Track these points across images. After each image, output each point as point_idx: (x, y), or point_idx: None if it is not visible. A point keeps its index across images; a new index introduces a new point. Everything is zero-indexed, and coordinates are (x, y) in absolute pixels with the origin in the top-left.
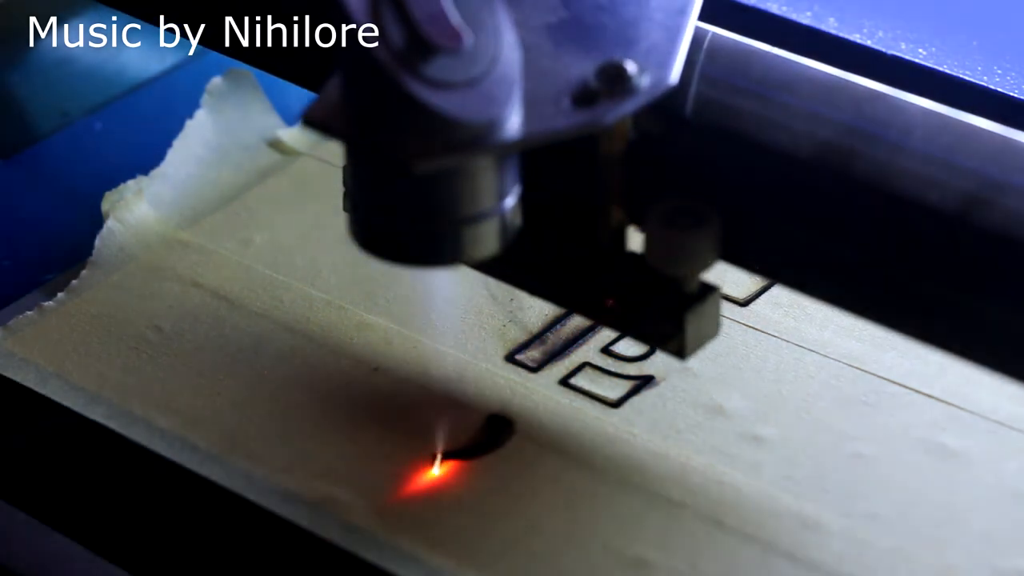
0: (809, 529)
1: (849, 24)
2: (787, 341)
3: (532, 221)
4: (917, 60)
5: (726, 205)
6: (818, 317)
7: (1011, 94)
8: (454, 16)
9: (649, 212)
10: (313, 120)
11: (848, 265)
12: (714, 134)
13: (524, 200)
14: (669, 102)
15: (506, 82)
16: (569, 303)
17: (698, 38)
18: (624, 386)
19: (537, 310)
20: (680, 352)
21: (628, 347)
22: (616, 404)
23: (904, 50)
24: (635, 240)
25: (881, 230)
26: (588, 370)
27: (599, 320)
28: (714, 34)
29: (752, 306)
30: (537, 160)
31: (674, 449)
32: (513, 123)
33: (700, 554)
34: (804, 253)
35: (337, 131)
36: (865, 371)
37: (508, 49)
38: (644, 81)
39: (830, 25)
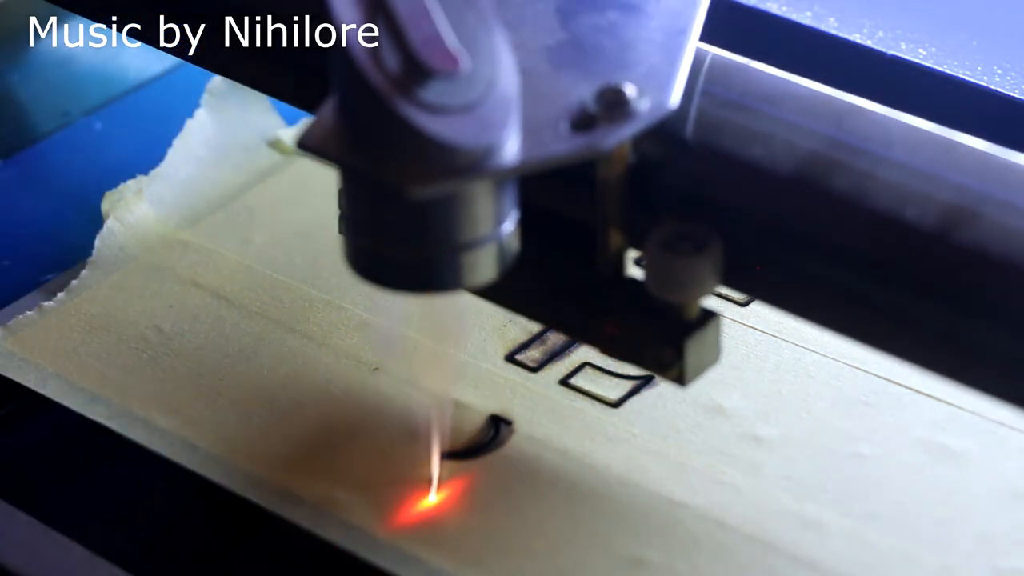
0: (809, 529)
1: (849, 24)
2: (787, 341)
3: (530, 246)
4: (917, 60)
5: (727, 229)
6: None
7: (1011, 94)
8: (451, 39)
9: (648, 237)
10: (308, 145)
11: (862, 293)
12: (715, 157)
13: (522, 224)
14: (670, 125)
15: (504, 106)
16: (568, 329)
17: (698, 59)
18: (624, 386)
19: None
20: (680, 380)
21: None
22: (616, 404)
23: (904, 50)
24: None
25: (893, 254)
26: (588, 370)
27: (598, 346)
28: (714, 55)
29: (752, 306)
30: (535, 184)
31: (674, 449)
32: (511, 148)
33: (700, 554)
34: (807, 278)
35: (332, 156)
36: (865, 371)
37: (506, 73)
38: (643, 105)
39: (830, 25)
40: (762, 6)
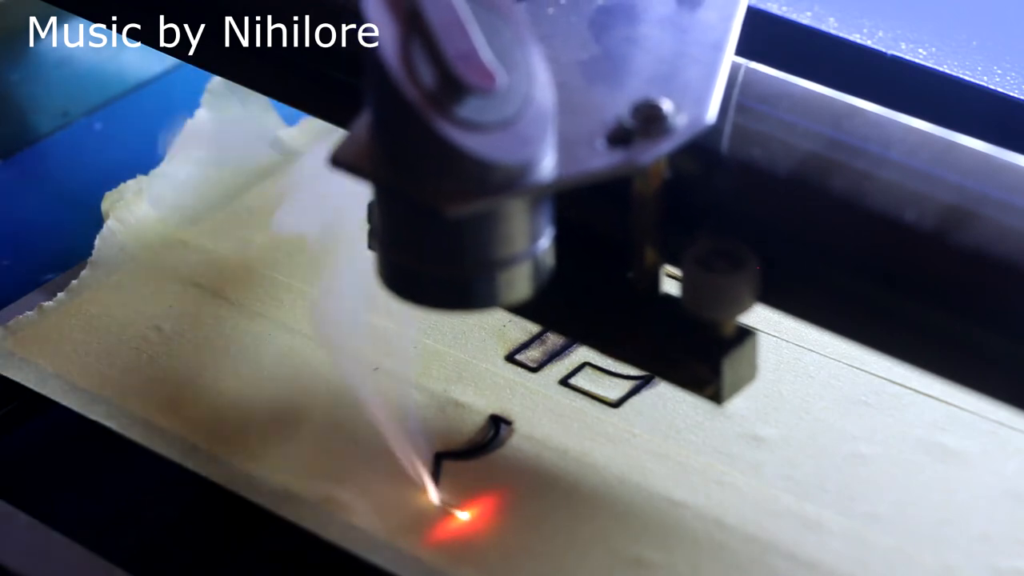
0: (809, 529)
1: (849, 24)
2: (787, 341)
3: (565, 262)
4: (917, 60)
5: (765, 246)
6: None
7: (1011, 94)
8: (487, 55)
9: (685, 254)
10: (341, 161)
11: (903, 311)
12: (751, 172)
13: (557, 241)
14: (705, 139)
15: (540, 122)
16: (603, 346)
17: (732, 71)
18: (624, 386)
19: None
20: (717, 398)
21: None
22: (616, 404)
23: (904, 50)
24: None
25: (935, 275)
26: (588, 370)
27: (633, 363)
28: (748, 68)
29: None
30: (569, 199)
31: (674, 449)
32: (547, 164)
33: (700, 554)
34: (839, 291)
35: (366, 173)
36: (865, 371)
37: (542, 88)
38: (680, 120)
39: (830, 25)
40: (762, 6)
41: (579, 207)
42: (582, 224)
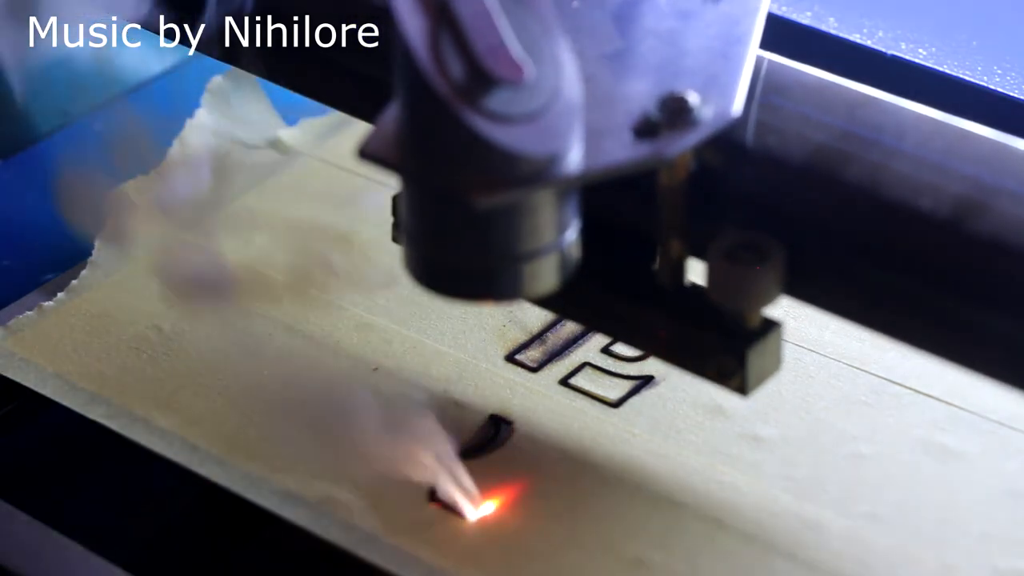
0: (809, 529)
1: (849, 24)
2: (787, 341)
3: (590, 255)
4: (917, 60)
5: (791, 238)
6: (818, 317)
7: (1011, 94)
8: (515, 48)
9: (711, 246)
10: (369, 153)
11: (919, 295)
12: (777, 164)
13: (583, 233)
14: (729, 132)
15: (568, 115)
16: (628, 338)
17: (755, 64)
18: (624, 386)
19: (537, 310)
20: (742, 389)
21: (628, 347)
22: (616, 404)
23: (904, 50)
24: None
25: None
26: (588, 370)
27: (658, 355)
28: (771, 61)
29: None
30: (595, 192)
31: (674, 449)
32: (574, 157)
33: (700, 554)
34: (864, 282)
35: (394, 165)
36: (865, 371)
37: (569, 81)
38: (707, 113)
39: (830, 25)
40: None
41: (605, 200)
42: (608, 216)
